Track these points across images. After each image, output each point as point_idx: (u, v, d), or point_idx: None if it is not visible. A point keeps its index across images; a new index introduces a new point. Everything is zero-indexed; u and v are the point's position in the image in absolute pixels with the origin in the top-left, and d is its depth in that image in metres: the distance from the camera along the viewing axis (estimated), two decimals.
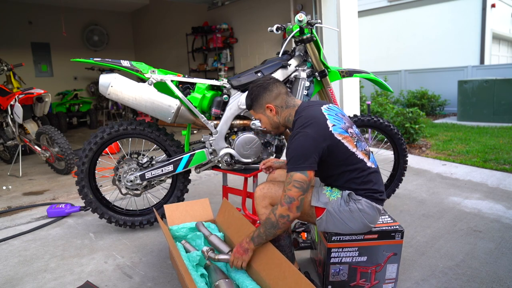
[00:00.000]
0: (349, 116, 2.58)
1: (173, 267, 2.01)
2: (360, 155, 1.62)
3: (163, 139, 2.41)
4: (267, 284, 1.57)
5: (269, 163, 1.95)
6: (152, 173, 2.33)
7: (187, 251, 1.89)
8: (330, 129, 1.58)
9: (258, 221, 2.49)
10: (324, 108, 1.68)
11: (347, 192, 1.62)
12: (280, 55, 2.44)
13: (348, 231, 1.64)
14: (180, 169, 2.34)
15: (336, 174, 1.64)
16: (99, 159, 2.43)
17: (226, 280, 1.64)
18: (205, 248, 1.74)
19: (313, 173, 1.53)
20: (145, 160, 2.39)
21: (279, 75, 2.33)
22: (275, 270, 1.54)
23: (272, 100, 1.74)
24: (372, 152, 1.74)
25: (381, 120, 2.65)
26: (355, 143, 1.63)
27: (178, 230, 2.07)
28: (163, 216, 2.37)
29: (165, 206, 2.17)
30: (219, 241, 1.90)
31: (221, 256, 1.73)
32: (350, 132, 1.65)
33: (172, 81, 2.26)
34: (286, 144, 2.44)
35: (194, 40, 7.66)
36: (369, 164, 1.64)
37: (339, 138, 1.58)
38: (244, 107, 2.28)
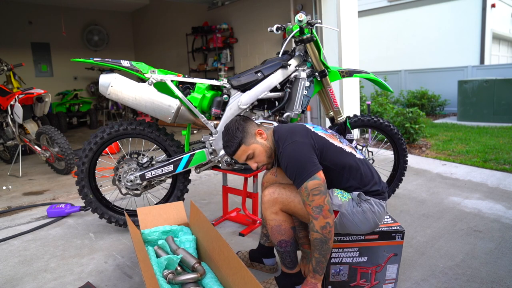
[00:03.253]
0: (348, 116, 2.61)
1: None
2: (348, 148, 1.67)
3: (163, 139, 2.41)
4: None
5: None
6: (152, 173, 2.33)
7: (158, 256, 1.84)
8: (312, 129, 1.65)
9: (258, 221, 2.50)
10: (301, 123, 1.76)
11: (356, 193, 1.61)
12: (280, 55, 2.44)
13: (357, 232, 1.64)
14: (180, 169, 2.34)
15: (335, 177, 1.63)
16: (99, 159, 2.43)
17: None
18: (165, 272, 1.68)
19: (322, 172, 1.52)
20: (145, 160, 2.38)
21: (279, 75, 2.33)
22: (238, 275, 1.49)
23: (257, 126, 1.72)
24: (357, 146, 1.78)
25: (381, 120, 2.65)
26: (338, 139, 1.70)
27: (150, 234, 2.00)
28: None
29: (138, 209, 2.12)
30: (186, 253, 1.84)
31: (181, 278, 1.67)
32: (330, 131, 1.73)
33: (172, 81, 2.26)
34: None
35: (194, 40, 7.66)
36: (358, 155, 1.69)
37: (323, 135, 1.64)
38: (244, 106, 2.28)
